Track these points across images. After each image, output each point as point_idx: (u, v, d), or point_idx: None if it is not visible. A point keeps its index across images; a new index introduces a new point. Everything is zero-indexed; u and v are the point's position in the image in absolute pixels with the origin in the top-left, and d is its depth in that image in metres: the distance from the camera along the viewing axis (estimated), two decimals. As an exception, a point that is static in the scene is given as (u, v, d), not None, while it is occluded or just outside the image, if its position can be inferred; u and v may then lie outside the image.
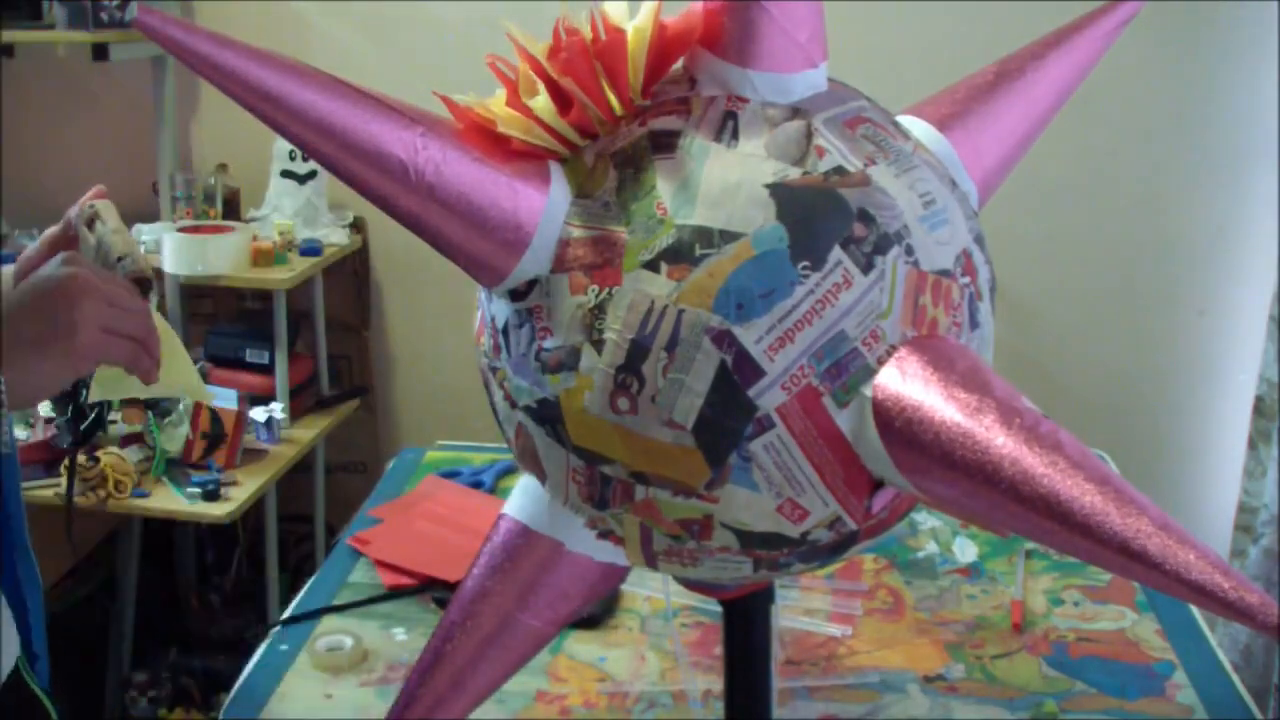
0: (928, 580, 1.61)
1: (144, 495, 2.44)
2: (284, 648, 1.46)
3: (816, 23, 0.89)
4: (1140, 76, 2.58)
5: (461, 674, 0.96)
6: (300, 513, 2.97)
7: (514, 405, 0.92)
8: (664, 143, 0.87)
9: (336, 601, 1.55)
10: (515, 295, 0.90)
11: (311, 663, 1.42)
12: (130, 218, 2.76)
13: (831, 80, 0.92)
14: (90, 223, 1.03)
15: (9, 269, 1.03)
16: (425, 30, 2.79)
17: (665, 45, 0.89)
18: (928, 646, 1.46)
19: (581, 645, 1.46)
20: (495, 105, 0.89)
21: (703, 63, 0.90)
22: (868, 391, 0.83)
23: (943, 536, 1.71)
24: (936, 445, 0.78)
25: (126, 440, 2.53)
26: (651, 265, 0.83)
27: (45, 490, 2.34)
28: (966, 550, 1.67)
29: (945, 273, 0.87)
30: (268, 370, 2.76)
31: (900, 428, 0.81)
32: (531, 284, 0.89)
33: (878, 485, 0.86)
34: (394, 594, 1.56)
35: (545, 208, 0.87)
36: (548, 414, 0.88)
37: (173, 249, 2.64)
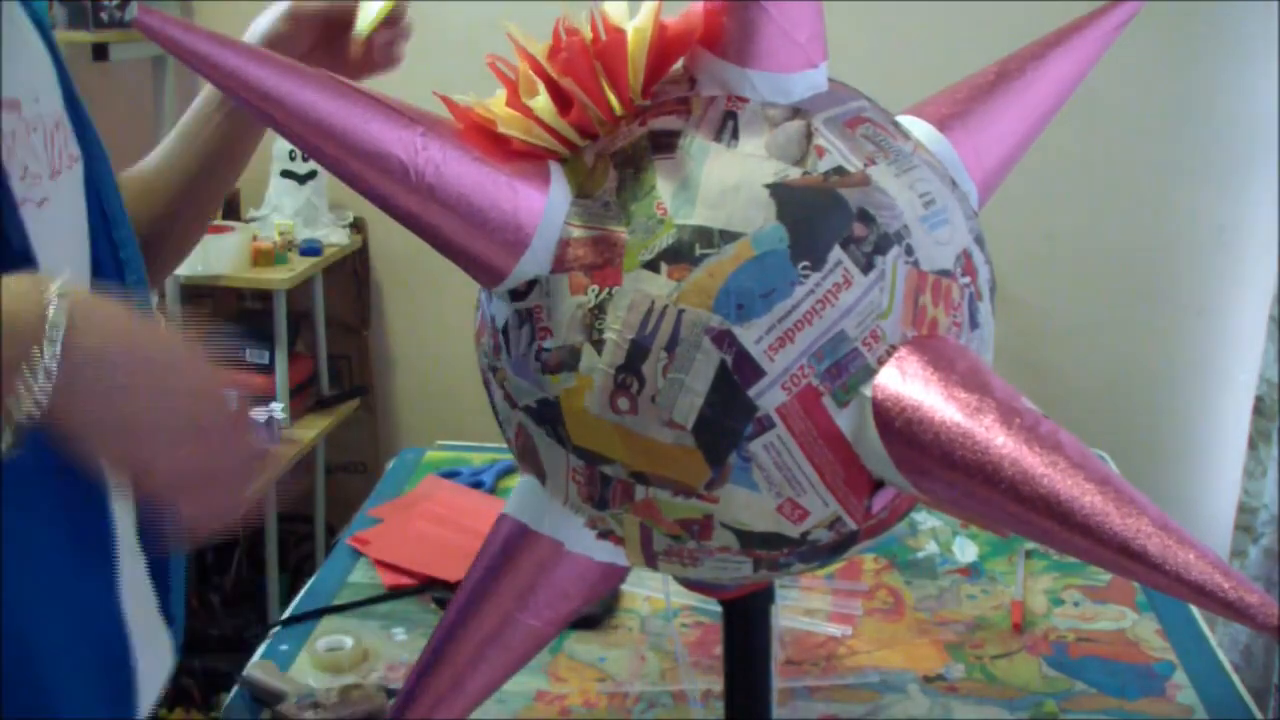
0: (928, 580, 1.61)
1: (144, 495, 2.44)
2: (284, 648, 1.46)
3: (816, 23, 0.89)
4: (1140, 76, 2.58)
5: (461, 674, 0.96)
6: (300, 513, 2.97)
7: (514, 405, 0.92)
8: (664, 143, 0.87)
9: (336, 601, 1.55)
10: (515, 295, 0.90)
11: (311, 663, 1.42)
12: (130, 218, 2.76)
13: (831, 80, 0.92)
14: None
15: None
16: (425, 30, 2.79)
17: (665, 45, 0.89)
18: (928, 646, 1.46)
19: (581, 645, 1.46)
20: (495, 105, 0.89)
21: (703, 63, 0.90)
22: (868, 391, 0.83)
23: (943, 536, 1.71)
24: (936, 445, 0.78)
25: (126, 440, 2.53)
26: (651, 265, 0.83)
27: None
28: (966, 550, 1.67)
29: (945, 273, 0.87)
30: (268, 370, 2.76)
31: (900, 428, 0.81)
32: (531, 284, 0.89)
33: (878, 485, 0.86)
34: (394, 594, 1.56)
35: (545, 208, 0.87)
36: (548, 414, 0.88)
37: (173, 249, 2.64)
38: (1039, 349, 2.81)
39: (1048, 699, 1.36)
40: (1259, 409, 2.57)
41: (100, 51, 2.61)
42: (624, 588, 1.55)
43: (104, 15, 2.59)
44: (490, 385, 0.96)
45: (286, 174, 2.85)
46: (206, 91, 1.16)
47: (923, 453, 0.79)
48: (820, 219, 0.83)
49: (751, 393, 0.82)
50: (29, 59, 0.88)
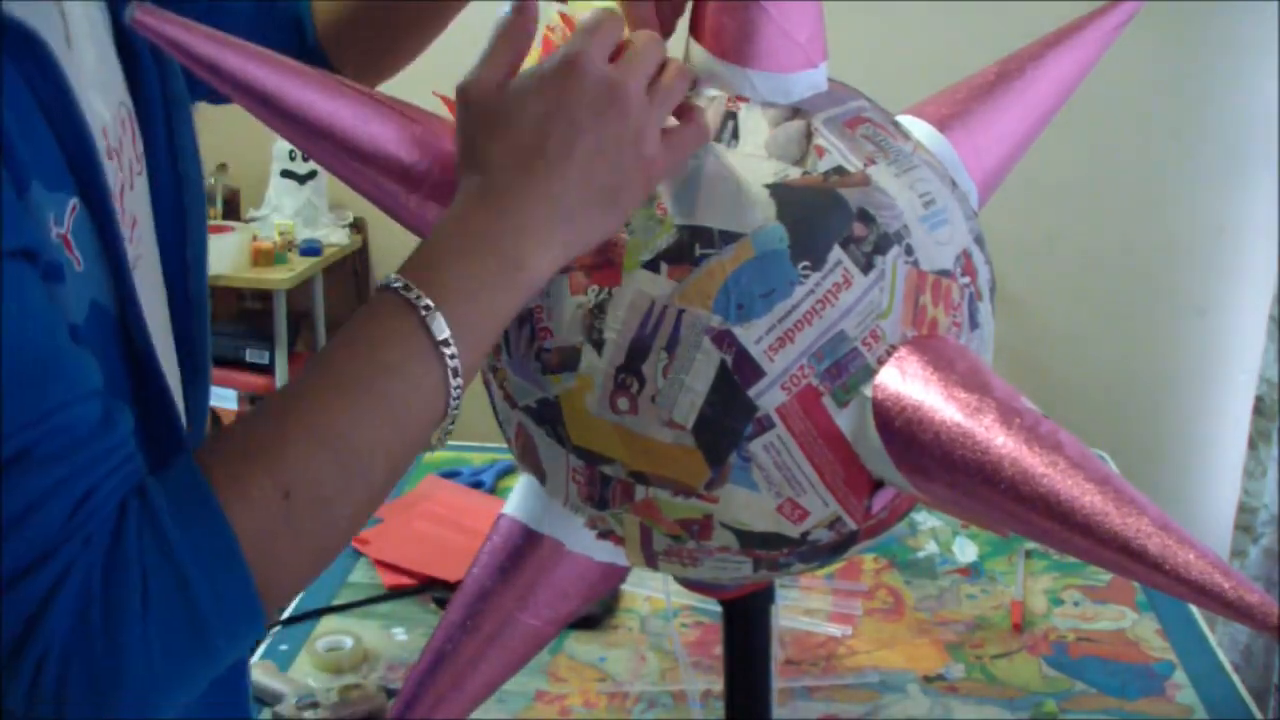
0: (928, 580, 1.61)
1: (144, 495, 2.44)
2: (284, 648, 1.46)
3: (816, 23, 0.89)
4: (1140, 76, 2.58)
5: (462, 674, 0.96)
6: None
7: (514, 405, 0.92)
8: (664, 142, 0.87)
9: (336, 601, 1.55)
10: (515, 295, 0.90)
11: (311, 663, 1.42)
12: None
13: (831, 80, 0.92)
14: None
15: None
16: (425, 30, 2.79)
17: None
18: (928, 646, 1.46)
19: (581, 645, 1.46)
20: (495, 105, 0.89)
21: (702, 62, 0.90)
22: (868, 391, 0.83)
23: (943, 536, 1.71)
24: (936, 445, 0.78)
25: (126, 440, 2.53)
26: (651, 265, 0.83)
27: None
28: (966, 550, 1.68)
29: (945, 273, 0.87)
30: (268, 370, 2.77)
31: (900, 427, 0.81)
32: (531, 284, 0.88)
33: (878, 485, 0.86)
34: (394, 594, 1.56)
35: (545, 207, 0.87)
36: (547, 414, 0.88)
37: (172, 249, 2.64)
38: (1039, 349, 2.81)
39: (1048, 699, 1.36)
40: (1259, 409, 2.57)
41: (100, 51, 2.61)
42: (624, 588, 1.55)
43: (104, 15, 2.58)
44: (490, 385, 0.96)
45: (286, 174, 2.86)
46: None
47: (923, 452, 0.79)
48: (820, 219, 0.83)
49: (751, 393, 0.82)
50: (95, 56, 0.85)
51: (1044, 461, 0.74)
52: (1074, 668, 1.42)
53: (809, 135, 0.87)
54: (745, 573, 0.92)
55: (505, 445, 0.99)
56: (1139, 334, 2.77)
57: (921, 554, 1.67)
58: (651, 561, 0.93)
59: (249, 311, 3.00)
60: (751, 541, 0.87)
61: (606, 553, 0.94)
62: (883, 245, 0.84)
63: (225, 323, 2.96)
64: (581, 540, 0.94)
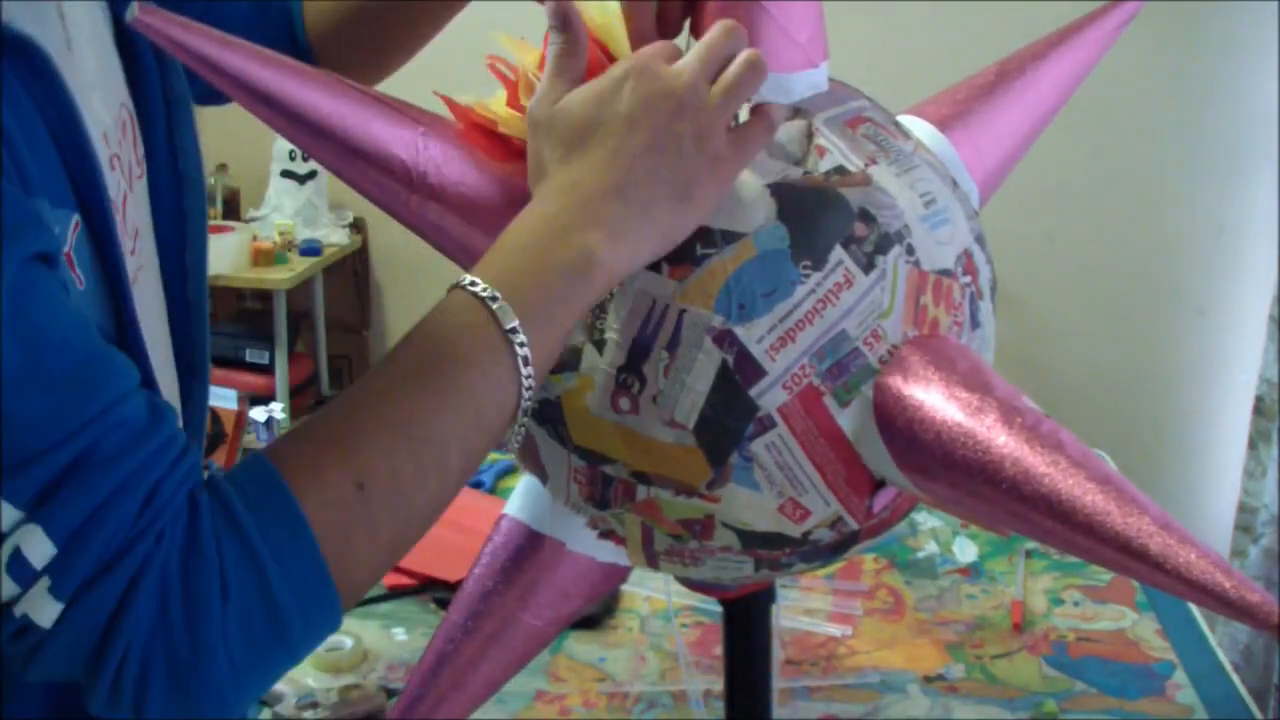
0: (928, 580, 1.61)
1: (144, 495, 2.44)
2: (284, 648, 1.46)
3: (816, 22, 0.89)
4: (1140, 76, 2.58)
5: (463, 674, 0.96)
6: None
7: (514, 405, 0.92)
8: (664, 143, 0.87)
9: (336, 601, 1.55)
10: (516, 295, 0.90)
11: (311, 663, 1.42)
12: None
13: (832, 80, 0.92)
14: None
15: None
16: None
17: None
18: (928, 646, 1.46)
19: (581, 645, 1.46)
20: (496, 105, 0.89)
21: (702, 63, 0.90)
22: (869, 391, 0.83)
23: (943, 536, 1.71)
24: (938, 445, 0.78)
25: (126, 440, 2.53)
26: (653, 265, 0.83)
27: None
28: (966, 550, 1.67)
29: (946, 272, 0.87)
30: (268, 370, 2.77)
31: (901, 427, 0.81)
32: (531, 284, 0.88)
33: (879, 485, 0.86)
34: (394, 594, 1.56)
35: (545, 208, 0.87)
36: (549, 414, 0.88)
37: (172, 249, 2.64)
38: (1039, 348, 2.81)
39: (1048, 699, 1.36)
40: (1259, 409, 2.57)
41: (100, 51, 2.61)
42: (624, 587, 1.55)
43: (104, 15, 2.59)
44: (491, 385, 0.96)
45: (287, 174, 2.86)
46: None
47: (924, 452, 0.79)
48: (822, 218, 0.83)
49: (753, 392, 0.82)
50: (101, 61, 0.84)
51: (1045, 461, 0.75)
52: (1074, 668, 1.42)
53: (810, 135, 0.87)
54: (747, 572, 0.92)
55: (506, 445, 0.99)
56: (1139, 334, 2.77)
57: (921, 554, 1.67)
58: (653, 561, 0.93)
59: (249, 311, 3.00)
60: (753, 541, 0.88)
61: (608, 553, 0.94)
62: (884, 245, 0.84)
63: (225, 323, 2.96)
64: (583, 540, 0.94)
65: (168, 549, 0.66)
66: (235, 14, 1.04)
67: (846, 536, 0.89)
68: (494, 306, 0.74)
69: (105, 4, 0.87)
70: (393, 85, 0.92)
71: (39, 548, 0.63)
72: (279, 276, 2.69)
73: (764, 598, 1.07)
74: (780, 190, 0.84)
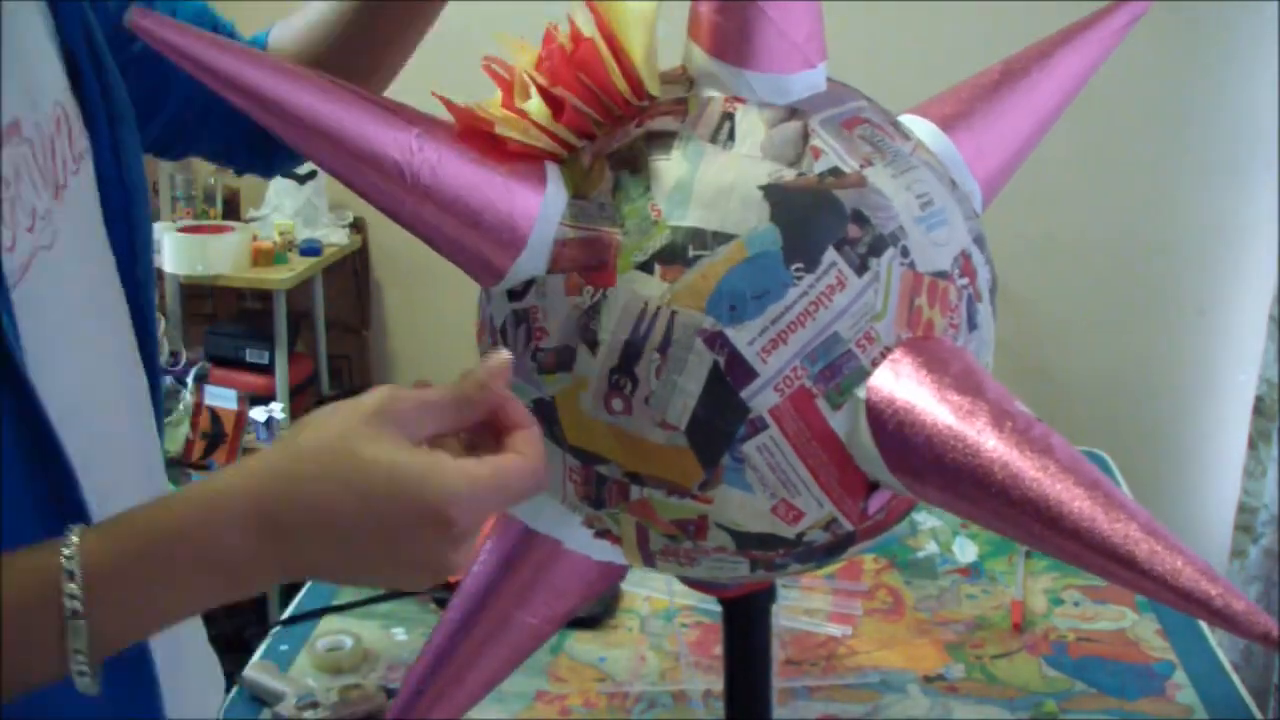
0: (928, 580, 1.61)
1: (144, 495, 2.44)
2: (284, 648, 1.46)
3: (814, 23, 0.89)
4: (1140, 76, 2.58)
5: (460, 672, 0.96)
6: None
7: (511, 405, 0.92)
8: (660, 144, 0.87)
9: (336, 601, 1.55)
10: (512, 295, 0.90)
11: (311, 663, 1.42)
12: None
13: (831, 80, 0.92)
14: None
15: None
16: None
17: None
18: (928, 646, 1.46)
19: (581, 645, 1.46)
20: (492, 106, 0.89)
21: (700, 63, 0.90)
22: (862, 393, 0.83)
23: (943, 536, 1.71)
24: (928, 448, 0.78)
25: (127, 440, 2.53)
26: (645, 267, 0.83)
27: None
28: (966, 550, 1.68)
29: (942, 274, 0.87)
30: (268, 370, 2.77)
31: (893, 430, 0.81)
32: (528, 284, 0.89)
33: (873, 487, 0.86)
34: (394, 594, 1.56)
35: (540, 209, 0.87)
36: (544, 414, 0.88)
37: (173, 249, 2.64)
38: (1039, 349, 2.81)
39: (1048, 699, 1.36)
40: (1259, 409, 2.56)
41: (100, 52, 2.61)
42: (625, 587, 1.55)
43: (104, 16, 2.59)
44: (489, 385, 0.96)
45: (286, 174, 2.85)
46: None
47: (915, 455, 0.79)
48: (814, 220, 0.83)
49: (744, 394, 0.82)
50: (21, 51, 0.86)
51: (1035, 465, 0.74)
52: (1074, 668, 1.42)
53: (805, 136, 0.87)
54: (742, 573, 0.92)
55: (504, 446, 0.99)
56: (1139, 334, 2.77)
57: (921, 554, 1.67)
58: (649, 561, 0.93)
59: (249, 311, 3.00)
60: (747, 542, 0.88)
61: (604, 552, 0.94)
62: (878, 246, 0.84)
63: (225, 323, 2.96)
64: (579, 539, 0.94)
65: None
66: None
67: (842, 538, 0.89)
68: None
69: (45, 5, 0.89)
70: (391, 86, 0.92)
71: None
72: (279, 276, 2.69)
73: (764, 597, 1.07)
74: (773, 191, 0.84)
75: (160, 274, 2.67)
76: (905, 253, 0.85)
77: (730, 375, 0.82)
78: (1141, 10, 1.07)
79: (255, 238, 2.76)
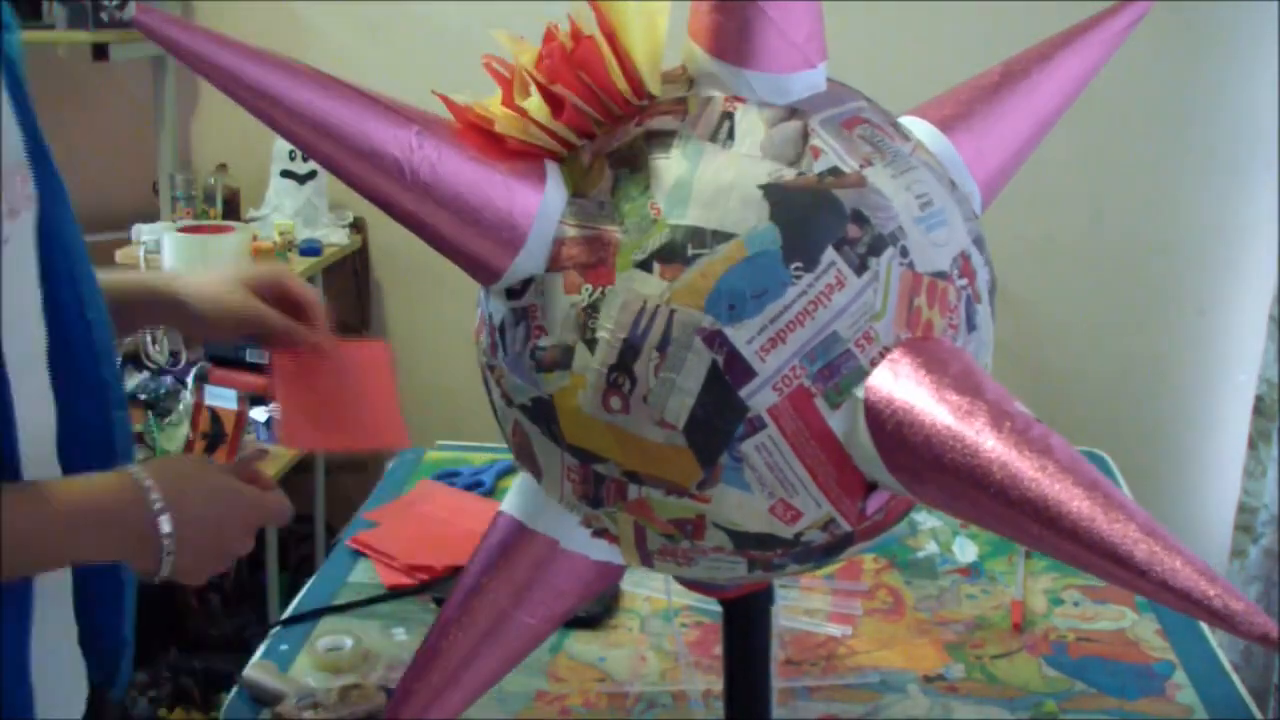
0: (928, 580, 1.61)
1: (144, 495, 2.44)
2: (284, 648, 1.46)
3: (814, 23, 0.89)
4: (1140, 76, 2.58)
5: (457, 671, 0.96)
6: (300, 513, 2.97)
7: (510, 403, 0.92)
8: (659, 143, 0.87)
9: (336, 601, 1.55)
10: (511, 294, 0.90)
11: (311, 663, 1.42)
12: (130, 218, 2.77)
13: (831, 81, 0.92)
14: None
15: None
16: (424, 30, 2.80)
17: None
18: (928, 646, 1.46)
19: (581, 645, 1.46)
20: (492, 105, 0.89)
21: (700, 63, 0.90)
22: (860, 393, 0.82)
23: (943, 536, 1.70)
24: (927, 448, 0.78)
25: (127, 440, 2.53)
26: (644, 265, 0.83)
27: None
28: (966, 550, 1.67)
29: (941, 274, 0.87)
30: (268, 370, 2.76)
31: (891, 430, 0.81)
32: (527, 283, 0.89)
33: (872, 487, 0.86)
34: (394, 594, 1.56)
35: (540, 207, 0.87)
36: (542, 412, 0.88)
37: (173, 249, 2.64)
38: (1039, 349, 2.81)
39: (1048, 699, 1.36)
40: (1259, 409, 2.56)
41: (100, 51, 2.61)
42: (624, 587, 1.55)
43: (104, 15, 2.59)
44: (488, 383, 0.96)
45: (286, 174, 2.85)
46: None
47: (913, 455, 0.79)
48: (814, 220, 0.83)
49: (743, 393, 0.82)
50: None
51: (1033, 466, 0.74)
52: (1074, 668, 1.42)
53: (805, 136, 0.87)
54: (740, 573, 0.92)
55: (505, 445, 0.99)
56: (1139, 334, 2.77)
57: (921, 554, 1.67)
58: (646, 560, 0.93)
59: (249, 312, 2.99)
60: (745, 542, 0.87)
61: (602, 551, 0.94)
62: (877, 246, 0.84)
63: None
64: (576, 538, 0.94)
65: None
66: None
67: (840, 538, 0.89)
68: None
69: None
70: (392, 85, 0.92)
71: None
72: (279, 276, 2.68)
73: (763, 598, 1.07)
74: (773, 191, 0.84)
75: (160, 274, 2.67)
76: (905, 253, 0.85)
77: (729, 374, 0.82)
78: (1142, 12, 1.07)
79: (255, 238, 2.75)
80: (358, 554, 1.66)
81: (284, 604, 1.64)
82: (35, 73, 1.00)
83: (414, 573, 1.59)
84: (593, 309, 0.84)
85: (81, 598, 1.01)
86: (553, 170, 0.89)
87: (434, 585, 1.57)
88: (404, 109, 0.86)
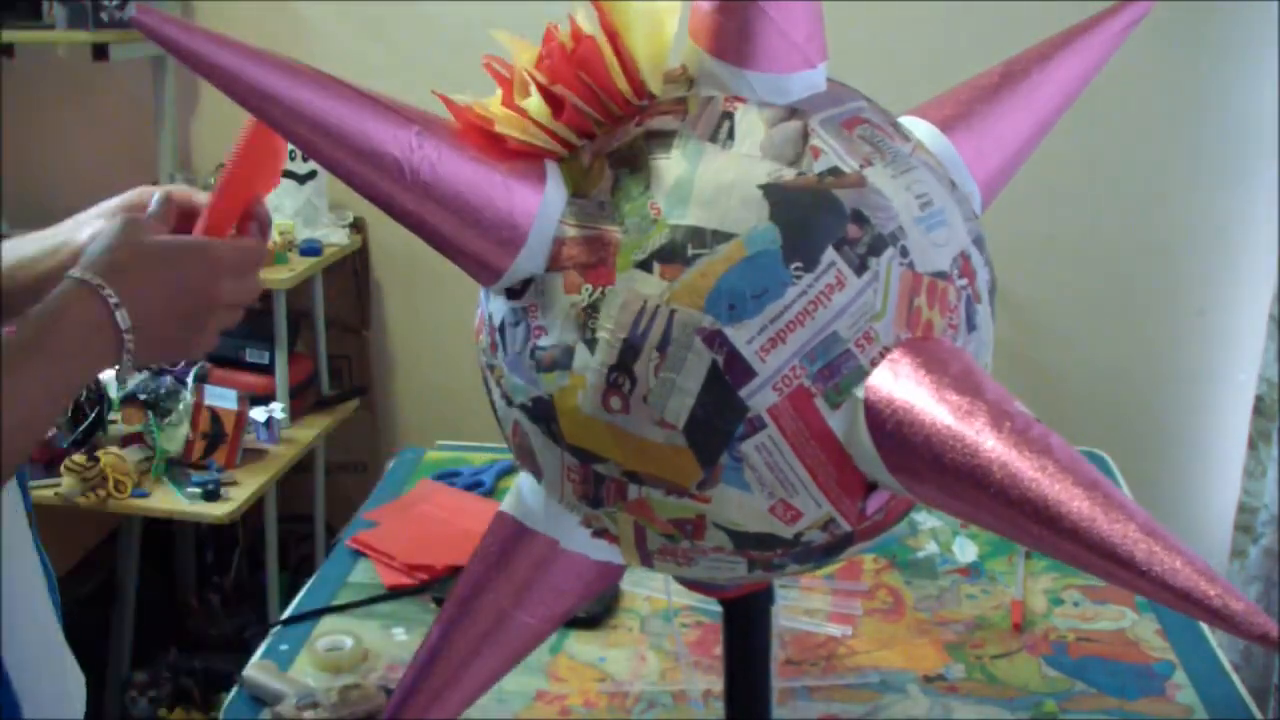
0: (928, 580, 1.61)
1: (144, 495, 2.44)
2: (284, 648, 1.46)
3: (814, 23, 0.89)
4: (1140, 76, 2.58)
5: (457, 671, 0.96)
6: (300, 513, 2.97)
7: (510, 403, 0.92)
8: (659, 143, 0.87)
9: (336, 601, 1.55)
10: (511, 294, 0.90)
11: (311, 663, 1.42)
12: (130, 218, 2.77)
13: (831, 81, 0.92)
14: None
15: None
16: (425, 30, 2.80)
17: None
18: (928, 646, 1.46)
19: (581, 645, 1.46)
20: (493, 105, 0.89)
21: (700, 63, 0.90)
22: (860, 393, 0.82)
23: (943, 536, 1.71)
24: (927, 448, 0.78)
25: (126, 440, 2.53)
26: (644, 265, 0.83)
27: (45, 490, 2.34)
28: (966, 550, 1.67)
29: (941, 274, 0.87)
30: (268, 370, 2.76)
31: (891, 429, 0.81)
32: (527, 283, 0.89)
33: (872, 487, 0.86)
34: (394, 594, 1.56)
35: (540, 207, 0.87)
36: (542, 412, 0.88)
37: (173, 249, 2.64)
38: (1039, 349, 2.81)
39: (1048, 699, 1.36)
40: (1259, 409, 2.56)
41: (100, 51, 2.61)
42: (625, 587, 1.55)
43: (104, 15, 2.59)
44: (488, 383, 0.96)
45: (286, 174, 2.85)
46: None
47: (913, 455, 0.79)
48: (814, 219, 0.83)
49: (743, 393, 0.82)
50: None
51: (1033, 466, 0.74)
52: (1074, 668, 1.42)
53: (805, 136, 0.87)
54: (740, 573, 0.92)
55: (505, 445, 0.99)
56: (1139, 334, 2.77)
57: (921, 554, 1.67)
58: (647, 560, 0.93)
59: (249, 311, 2.99)
60: (745, 542, 0.87)
61: (602, 551, 0.94)
62: (877, 246, 0.84)
63: (223, 313, 2.95)
64: (576, 538, 0.94)
65: None
66: None
67: (840, 538, 0.89)
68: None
69: None
70: (392, 85, 0.92)
71: None
72: (279, 276, 2.68)
73: (763, 598, 1.07)
74: (772, 191, 0.84)
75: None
76: (904, 253, 0.85)
77: (729, 374, 0.82)
78: (1142, 13, 1.07)
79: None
80: (358, 554, 1.66)
81: (284, 604, 1.64)
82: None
83: (414, 573, 1.59)
84: (593, 309, 0.84)
85: None
86: (553, 170, 0.89)
87: (434, 585, 1.57)
88: (404, 109, 0.86)
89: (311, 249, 2.79)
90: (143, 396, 2.52)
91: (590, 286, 0.85)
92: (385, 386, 3.14)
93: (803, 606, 1.54)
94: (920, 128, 1.00)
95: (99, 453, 2.42)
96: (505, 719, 1.33)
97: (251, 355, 2.79)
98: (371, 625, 1.50)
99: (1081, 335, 2.81)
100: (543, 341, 0.87)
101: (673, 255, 0.83)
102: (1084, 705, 1.35)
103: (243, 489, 2.48)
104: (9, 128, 2.90)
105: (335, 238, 2.90)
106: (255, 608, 2.93)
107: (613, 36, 0.88)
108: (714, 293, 0.82)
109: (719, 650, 1.19)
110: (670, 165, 0.86)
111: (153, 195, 1.02)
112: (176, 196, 1.03)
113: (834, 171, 0.85)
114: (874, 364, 0.83)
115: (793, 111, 0.88)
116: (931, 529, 1.72)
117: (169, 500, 2.44)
